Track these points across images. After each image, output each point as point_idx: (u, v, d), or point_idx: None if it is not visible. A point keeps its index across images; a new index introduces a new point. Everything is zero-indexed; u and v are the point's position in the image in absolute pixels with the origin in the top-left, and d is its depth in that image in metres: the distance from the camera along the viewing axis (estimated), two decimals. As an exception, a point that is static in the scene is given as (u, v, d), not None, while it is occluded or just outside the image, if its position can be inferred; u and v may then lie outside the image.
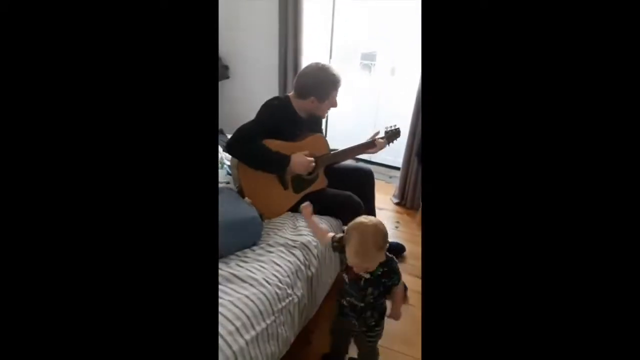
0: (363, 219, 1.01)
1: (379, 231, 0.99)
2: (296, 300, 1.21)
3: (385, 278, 1.05)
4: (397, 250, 2.00)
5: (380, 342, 1.43)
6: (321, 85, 1.50)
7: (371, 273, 1.04)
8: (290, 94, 1.58)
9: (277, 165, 1.45)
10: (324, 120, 1.98)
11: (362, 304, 1.10)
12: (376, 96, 3.00)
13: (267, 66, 2.68)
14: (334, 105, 1.58)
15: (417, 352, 1.41)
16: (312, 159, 1.49)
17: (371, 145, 1.66)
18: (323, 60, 2.08)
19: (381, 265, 1.04)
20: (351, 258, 1.01)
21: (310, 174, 1.54)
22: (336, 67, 1.54)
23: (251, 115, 1.52)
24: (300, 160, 1.46)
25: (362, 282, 1.06)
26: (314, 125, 1.65)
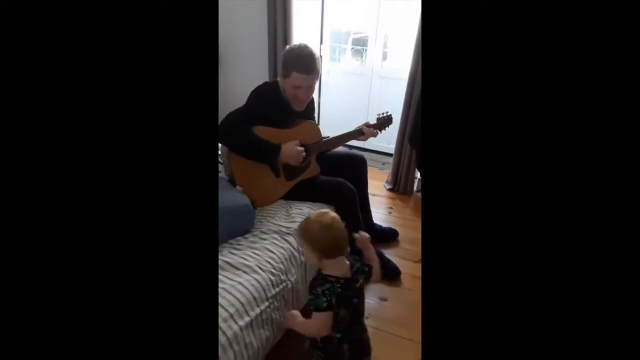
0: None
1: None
2: (290, 285, 1.22)
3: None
4: (391, 235, 2.01)
5: (377, 325, 1.45)
6: (300, 58, 1.44)
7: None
8: (279, 78, 1.56)
9: (267, 155, 1.43)
10: (315, 107, 1.97)
11: None
12: (368, 82, 2.97)
13: (257, 52, 2.64)
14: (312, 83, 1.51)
15: (415, 334, 1.43)
16: (302, 149, 1.47)
17: (362, 132, 1.67)
18: (314, 46, 2.05)
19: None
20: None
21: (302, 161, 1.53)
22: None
23: (241, 102, 1.50)
24: (291, 151, 1.44)
25: None
26: (305, 111, 1.63)
